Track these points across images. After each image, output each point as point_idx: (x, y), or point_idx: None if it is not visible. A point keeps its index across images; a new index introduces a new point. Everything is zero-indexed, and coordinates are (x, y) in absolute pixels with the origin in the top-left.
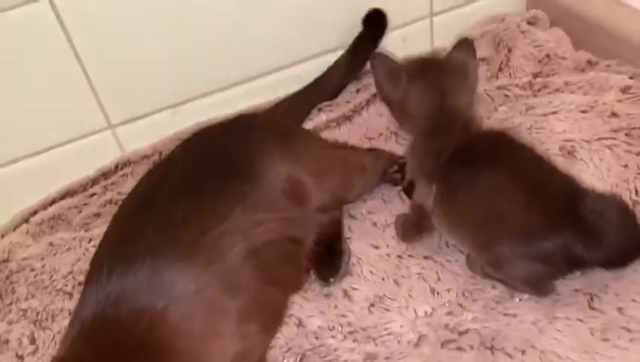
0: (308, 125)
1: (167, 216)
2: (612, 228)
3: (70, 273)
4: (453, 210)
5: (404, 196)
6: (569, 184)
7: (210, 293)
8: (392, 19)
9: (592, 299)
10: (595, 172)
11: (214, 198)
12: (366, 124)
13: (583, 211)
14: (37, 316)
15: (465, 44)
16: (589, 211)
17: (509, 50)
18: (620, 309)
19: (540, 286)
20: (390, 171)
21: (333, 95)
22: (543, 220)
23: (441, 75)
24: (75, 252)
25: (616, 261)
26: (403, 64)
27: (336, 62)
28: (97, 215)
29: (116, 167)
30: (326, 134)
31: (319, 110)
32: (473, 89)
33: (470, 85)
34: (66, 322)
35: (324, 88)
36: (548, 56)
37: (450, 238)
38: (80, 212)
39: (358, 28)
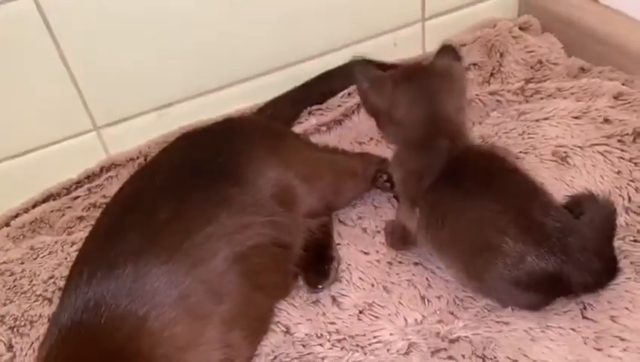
0: (298, 129)
1: (150, 220)
2: (595, 257)
3: (51, 278)
4: (441, 236)
5: (395, 202)
6: (559, 211)
7: (193, 299)
8: (383, 23)
9: (584, 308)
10: (588, 178)
11: (199, 202)
12: (357, 127)
13: (572, 244)
14: (15, 322)
15: (449, 50)
16: (578, 244)
17: (501, 56)
18: (613, 318)
19: (530, 307)
20: (380, 181)
21: (322, 99)
22: (534, 251)
23: (428, 82)
24: (56, 256)
25: (596, 285)
26: (387, 73)
27: (331, 70)
28: (81, 218)
29: (101, 169)
30: (316, 138)
31: (309, 113)
32: (461, 94)
33: (458, 90)
34: (45, 329)
35: (314, 91)
36: (540, 62)
37: (439, 259)
38: (63, 215)
39: (346, 32)
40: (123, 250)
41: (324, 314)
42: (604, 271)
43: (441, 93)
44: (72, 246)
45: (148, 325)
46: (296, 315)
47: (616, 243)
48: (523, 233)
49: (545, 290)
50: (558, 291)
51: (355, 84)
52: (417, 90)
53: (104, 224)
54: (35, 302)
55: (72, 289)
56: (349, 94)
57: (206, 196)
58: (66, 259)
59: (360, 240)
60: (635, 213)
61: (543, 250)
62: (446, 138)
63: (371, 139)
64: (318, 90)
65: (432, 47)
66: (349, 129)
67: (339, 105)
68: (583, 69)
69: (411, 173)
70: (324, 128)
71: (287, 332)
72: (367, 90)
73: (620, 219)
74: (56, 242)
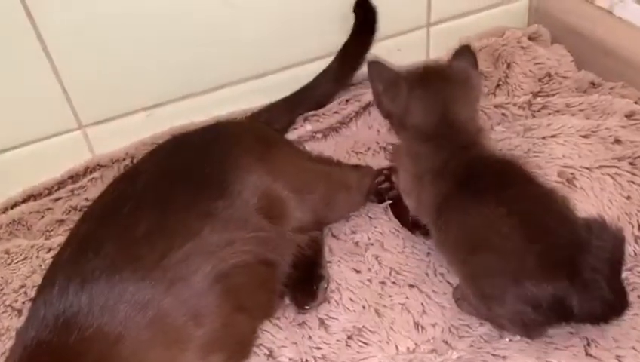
0: (292, 135)
1: (128, 231)
2: (606, 285)
3: (22, 287)
4: (448, 233)
5: (391, 214)
6: (573, 232)
7: (170, 320)
8: (387, 27)
9: (588, 345)
10: (596, 202)
11: (181, 214)
12: (354, 136)
13: (582, 265)
14: None
15: (466, 52)
16: (588, 266)
17: (508, 67)
18: (619, 358)
19: (528, 329)
20: (376, 181)
21: (319, 104)
22: (538, 266)
23: (444, 85)
24: (30, 262)
25: (602, 317)
26: (402, 74)
27: (325, 70)
28: (60, 222)
29: (85, 170)
30: (311, 146)
31: (305, 119)
32: (477, 99)
33: (474, 95)
34: (12, 344)
35: (310, 97)
36: (549, 74)
37: (443, 258)
38: (42, 217)
39: (347, 35)
40: (98, 263)
41: (310, 337)
42: (612, 302)
43: (456, 100)
44: (48, 251)
45: (120, 348)
46: (281, 337)
47: (624, 274)
48: (529, 244)
49: (543, 311)
50: (558, 315)
51: (370, 84)
52: (432, 96)
53: (80, 233)
54: (3, 313)
55: (40, 302)
56: (347, 101)
57: (188, 208)
58: (40, 266)
59: (352, 256)
60: None
61: (547, 266)
62: (460, 145)
63: (369, 149)
64: (315, 94)
65: (437, 53)
66: (346, 137)
67: (336, 112)
68: (593, 84)
69: (427, 169)
70: (319, 135)
71: (271, 355)
72: (381, 93)
73: (629, 249)
74: (32, 246)
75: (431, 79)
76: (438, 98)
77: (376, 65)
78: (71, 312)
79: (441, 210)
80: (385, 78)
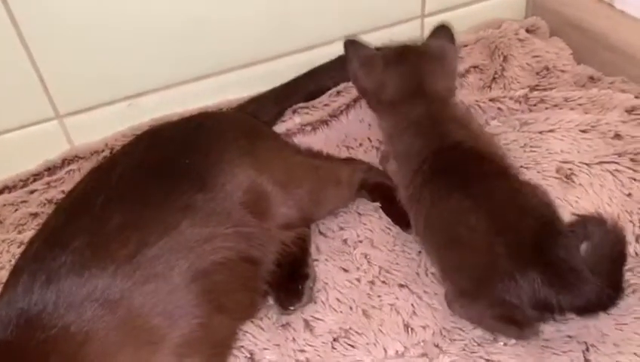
0: (280, 128)
1: (99, 225)
2: (586, 271)
3: None
4: (425, 223)
5: (382, 212)
6: (543, 220)
7: (142, 320)
8: (381, 17)
9: (587, 349)
10: (595, 199)
11: (158, 208)
12: (345, 130)
13: (553, 252)
14: None
15: (443, 30)
16: (561, 252)
17: (505, 59)
18: None
19: (518, 327)
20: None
21: (309, 97)
22: (505, 259)
23: (419, 61)
24: (0, 258)
25: (592, 308)
26: (378, 51)
27: (323, 65)
28: (34, 215)
29: (62, 162)
30: (300, 139)
31: (294, 112)
32: (452, 74)
33: (449, 70)
34: None
35: (301, 89)
36: (547, 68)
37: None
38: (16, 210)
39: (340, 25)
40: (66, 259)
41: (294, 339)
42: (596, 294)
43: (431, 74)
44: (19, 246)
45: (87, 349)
46: (263, 339)
47: (625, 275)
48: (495, 236)
49: (518, 306)
50: (537, 309)
51: (347, 62)
52: (407, 71)
53: (49, 227)
54: None
55: (4, 301)
56: (338, 93)
57: (166, 201)
58: (10, 261)
59: (340, 254)
60: None
61: (515, 258)
62: (437, 121)
63: (360, 145)
64: (305, 87)
65: None
66: (337, 130)
67: (326, 105)
68: (592, 78)
69: (407, 152)
70: (308, 128)
71: (251, 358)
72: (358, 69)
73: (630, 248)
74: (3, 241)
75: (406, 54)
76: (412, 71)
77: (353, 43)
78: (35, 311)
79: (414, 199)
80: (361, 54)
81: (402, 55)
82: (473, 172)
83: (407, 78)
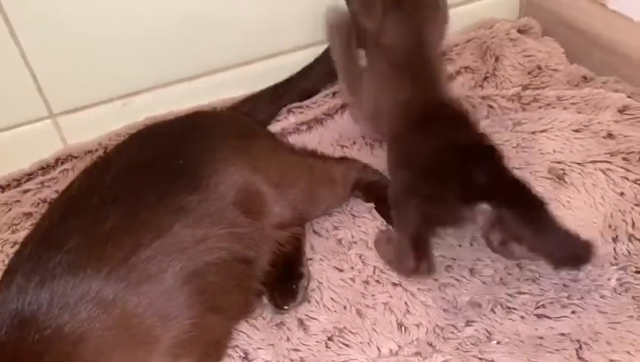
0: (275, 127)
1: (94, 227)
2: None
3: None
4: (392, 153)
5: (376, 213)
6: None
7: (137, 321)
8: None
9: (580, 348)
10: (588, 199)
11: (151, 209)
12: (339, 129)
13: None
14: None
15: None
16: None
17: (497, 60)
18: None
19: (412, 258)
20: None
21: (304, 96)
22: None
23: (416, 9)
24: None
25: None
26: None
27: (315, 61)
28: (28, 215)
29: (56, 161)
30: (294, 138)
31: (288, 111)
32: (445, 21)
33: (442, 19)
34: None
35: (295, 88)
36: (539, 67)
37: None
38: (9, 210)
39: None
40: (60, 260)
41: (288, 339)
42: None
43: (427, 22)
44: (13, 246)
45: (80, 349)
46: (257, 339)
47: (617, 274)
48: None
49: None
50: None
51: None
52: (406, 17)
53: (43, 227)
54: None
55: None
56: (334, 94)
57: (159, 202)
58: (3, 261)
59: (334, 254)
60: (639, 240)
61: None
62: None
63: (354, 143)
64: (300, 86)
65: None
66: (331, 130)
67: (320, 105)
68: (585, 78)
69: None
70: (303, 127)
71: (246, 358)
72: (357, 10)
73: (622, 247)
74: None
75: (403, 1)
76: (411, 19)
77: None
78: (29, 311)
79: (394, 135)
80: None
81: (400, 1)
82: (446, 121)
83: (405, 24)
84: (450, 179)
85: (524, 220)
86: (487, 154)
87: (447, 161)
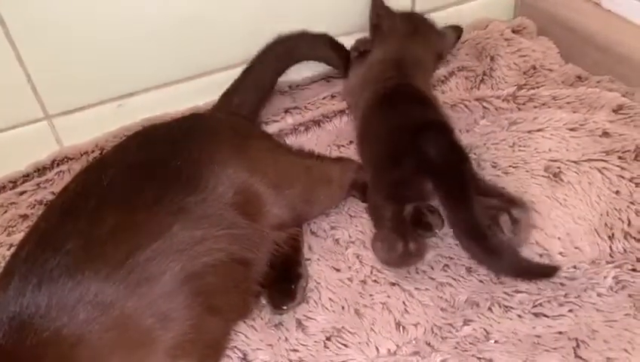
0: (272, 128)
1: (92, 228)
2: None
3: None
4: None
5: None
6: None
7: (135, 323)
8: (368, 17)
9: (577, 346)
10: (584, 197)
11: (150, 210)
12: (336, 130)
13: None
14: None
15: (456, 28)
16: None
17: (492, 60)
18: (609, 360)
19: (401, 243)
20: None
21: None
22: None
23: (424, 26)
24: None
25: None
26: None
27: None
28: (24, 217)
29: (52, 163)
30: (292, 139)
31: (286, 112)
32: (441, 50)
33: (442, 46)
34: None
35: (272, 69)
36: (534, 67)
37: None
38: (5, 212)
39: (327, 25)
40: (59, 261)
41: (286, 339)
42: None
43: (430, 38)
44: (9, 248)
45: (79, 351)
46: (256, 339)
47: (614, 272)
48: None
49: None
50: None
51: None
52: (413, 27)
53: (40, 229)
54: None
55: None
56: (332, 97)
57: (157, 204)
58: (0, 264)
59: (332, 254)
60: (634, 238)
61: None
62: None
63: (351, 142)
64: (275, 66)
65: None
66: (328, 131)
67: (319, 107)
68: (579, 78)
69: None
70: (302, 128)
71: (244, 359)
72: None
73: (618, 245)
74: None
75: (417, 19)
76: (417, 31)
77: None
78: (27, 314)
79: (364, 112)
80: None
81: (413, 17)
82: (410, 102)
83: (411, 27)
84: (404, 157)
85: (446, 198)
86: (435, 129)
87: (400, 141)
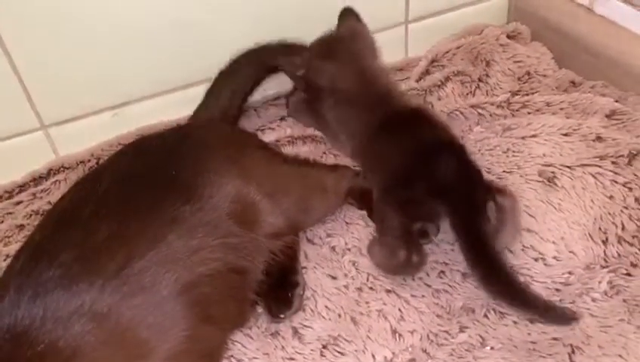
0: (269, 137)
1: (86, 238)
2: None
3: None
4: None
5: (369, 220)
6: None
7: (131, 334)
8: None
9: (573, 352)
10: (578, 202)
11: (145, 220)
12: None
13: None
14: None
15: (349, 13)
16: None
17: (487, 65)
18: None
19: (404, 251)
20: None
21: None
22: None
23: (340, 47)
24: None
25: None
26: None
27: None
28: (21, 227)
29: (48, 172)
30: (289, 150)
31: (281, 119)
32: (374, 50)
33: (370, 47)
34: None
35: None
36: (528, 73)
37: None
38: (1, 222)
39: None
40: (53, 273)
41: (283, 348)
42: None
43: (357, 53)
44: (5, 259)
45: None
46: (252, 348)
47: (608, 276)
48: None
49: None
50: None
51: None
52: (334, 57)
53: (35, 239)
54: None
55: None
56: None
57: (153, 214)
58: None
59: (328, 261)
60: (628, 243)
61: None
62: (379, 96)
63: None
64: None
65: (415, 50)
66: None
67: None
68: (573, 83)
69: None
70: (299, 143)
71: None
72: (307, 81)
73: (613, 250)
74: None
75: (328, 44)
76: (339, 57)
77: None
78: (22, 326)
79: (364, 146)
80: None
81: (324, 46)
82: (409, 125)
83: (347, 69)
84: (417, 179)
85: (458, 227)
86: (447, 150)
87: (413, 163)
